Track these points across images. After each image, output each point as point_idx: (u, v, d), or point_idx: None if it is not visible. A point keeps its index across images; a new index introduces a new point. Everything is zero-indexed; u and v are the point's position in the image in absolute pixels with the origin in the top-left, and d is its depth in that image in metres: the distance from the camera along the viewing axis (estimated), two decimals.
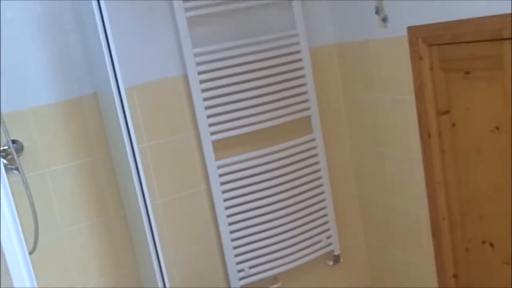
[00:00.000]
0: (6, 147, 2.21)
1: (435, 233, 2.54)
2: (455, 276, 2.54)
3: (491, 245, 2.29)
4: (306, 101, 2.79)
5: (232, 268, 2.71)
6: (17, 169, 2.20)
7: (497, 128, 2.11)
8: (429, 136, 2.42)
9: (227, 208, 2.67)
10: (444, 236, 2.51)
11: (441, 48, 2.26)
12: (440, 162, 2.43)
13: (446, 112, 2.33)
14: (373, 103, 2.73)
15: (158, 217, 2.53)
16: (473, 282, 2.45)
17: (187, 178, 2.64)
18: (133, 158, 2.02)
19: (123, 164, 2.17)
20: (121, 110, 1.98)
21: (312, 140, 2.84)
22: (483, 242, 2.33)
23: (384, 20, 2.51)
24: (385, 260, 2.99)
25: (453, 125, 2.32)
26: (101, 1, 1.89)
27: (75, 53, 2.36)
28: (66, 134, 2.38)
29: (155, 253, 2.12)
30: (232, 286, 2.73)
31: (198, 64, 2.53)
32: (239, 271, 2.73)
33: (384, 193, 2.84)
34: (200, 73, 2.54)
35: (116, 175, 2.47)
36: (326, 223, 2.92)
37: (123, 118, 1.98)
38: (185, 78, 2.55)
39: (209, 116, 2.58)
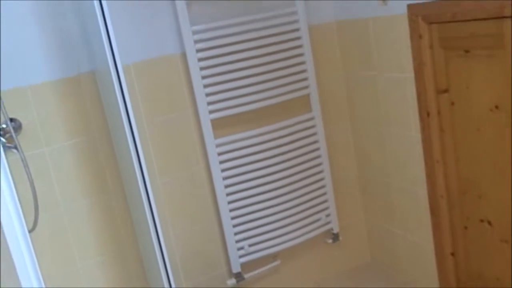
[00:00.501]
0: (4, 126, 2.21)
1: (434, 211, 2.55)
2: (453, 254, 2.55)
3: (489, 223, 2.30)
4: (306, 79, 2.78)
5: (232, 246, 2.73)
6: (15, 147, 2.20)
7: (496, 107, 2.10)
8: (428, 115, 2.42)
9: (226, 186, 2.67)
10: (442, 214, 2.52)
11: (441, 26, 2.25)
12: (439, 141, 2.42)
13: (446, 91, 2.32)
14: (373, 82, 2.72)
15: (158, 195, 2.54)
16: (471, 260, 2.47)
17: (186, 156, 2.64)
18: (131, 136, 2.02)
19: (122, 142, 2.17)
20: (119, 87, 1.97)
21: (312, 118, 2.83)
22: (481, 220, 2.34)
23: None
24: (384, 238, 3.01)
25: (452, 104, 2.31)
26: None
27: (73, 31, 2.35)
28: (65, 112, 2.38)
29: (154, 231, 2.13)
30: (232, 264, 2.75)
31: (196, 42, 2.51)
32: (239, 249, 2.75)
33: (383, 172, 2.85)
34: (198, 51, 2.52)
35: (115, 153, 2.47)
36: (325, 201, 2.93)
37: (121, 96, 1.98)
38: (183, 56, 2.53)
39: (207, 95, 2.57)
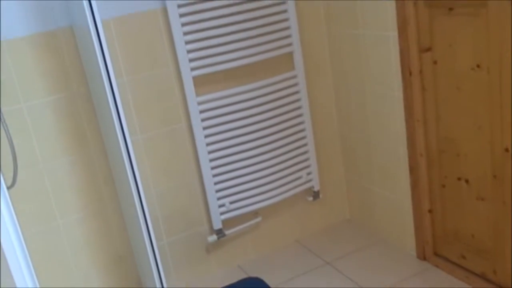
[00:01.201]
0: None
1: (413, 169, 2.59)
2: (430, 211, 2.60)
3: (467, 181, 2.34)
4: (289, 36, 2.75)
5: (213, 203, 2.75)
6: None
7: (478, 66, 2.11)
8: (411, 74, 2.42)
9: (208, 144, 2.67)
10: (421, 172, 2.56)
11: None
12: (421, 100, 2.44)
13: (429, 49, 2.32)
14: (356, 40, 2.70)
15: (139, 152, 2.53)
16: (448, 217, 2.52)
17: (168, 114, 2.62)
18: (111, 93, 2.00)
19: (101, 99, 2.14)
20: (98, 43, 1.93)
21: (294, 77, 2.82)
22: (459, 178, 2.38)
23: None
24: (363, 195, 3.05)
25: (435, 62, 2.31)
26: None
27: None
28: (43, 68, 2.33)
29: (135, 187, 2.14)
30: (213, 221, 2.77)
31: None
32: (220, 206, 2.77)
33: (364, 130, 2.86)
34: (180, 6, 2.47)
35: (95, 110, 2.45)
36: (306, 159, 2.94)
37: (100, 52, 1.94)
38: (165, 11, 2.48)
39: (189, 51, 2.53)
